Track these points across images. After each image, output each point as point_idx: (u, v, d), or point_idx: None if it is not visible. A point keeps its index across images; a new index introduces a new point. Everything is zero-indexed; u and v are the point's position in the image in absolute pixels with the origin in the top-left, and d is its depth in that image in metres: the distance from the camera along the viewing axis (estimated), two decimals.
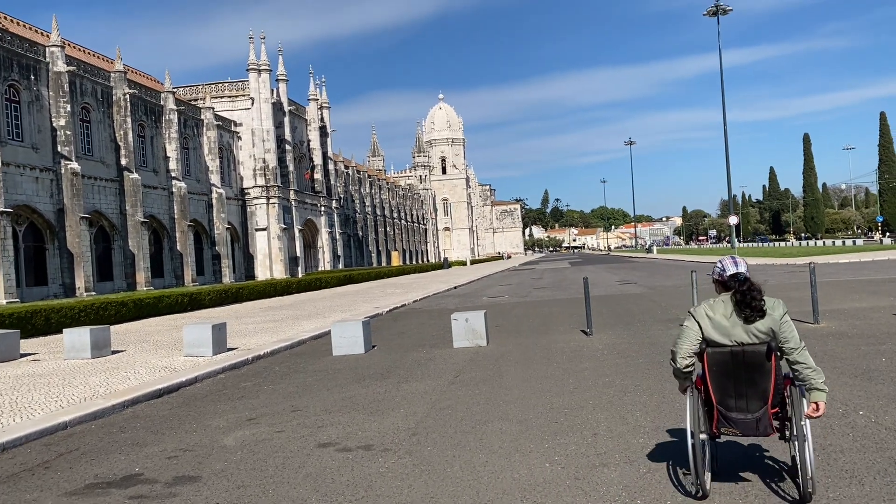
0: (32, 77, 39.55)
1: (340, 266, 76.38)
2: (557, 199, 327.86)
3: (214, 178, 58.57)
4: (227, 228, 59.22)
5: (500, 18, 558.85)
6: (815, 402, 4.47)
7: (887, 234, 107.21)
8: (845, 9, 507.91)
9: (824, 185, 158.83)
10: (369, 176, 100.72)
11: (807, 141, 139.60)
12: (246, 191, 64.34)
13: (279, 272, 62.58)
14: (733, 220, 67.54)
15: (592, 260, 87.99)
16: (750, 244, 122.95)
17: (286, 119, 68.37)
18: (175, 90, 55.94)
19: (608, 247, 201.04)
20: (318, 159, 76.75)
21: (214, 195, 57.99)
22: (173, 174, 52.60)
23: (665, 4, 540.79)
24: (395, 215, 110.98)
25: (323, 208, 75.27)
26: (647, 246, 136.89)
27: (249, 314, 24.26)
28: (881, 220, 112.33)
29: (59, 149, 40.39)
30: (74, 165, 40.80)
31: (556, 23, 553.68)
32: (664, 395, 7.94)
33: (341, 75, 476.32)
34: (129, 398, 9.50)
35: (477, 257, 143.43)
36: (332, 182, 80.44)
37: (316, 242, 74.83)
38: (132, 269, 46.30)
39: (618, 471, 5.40)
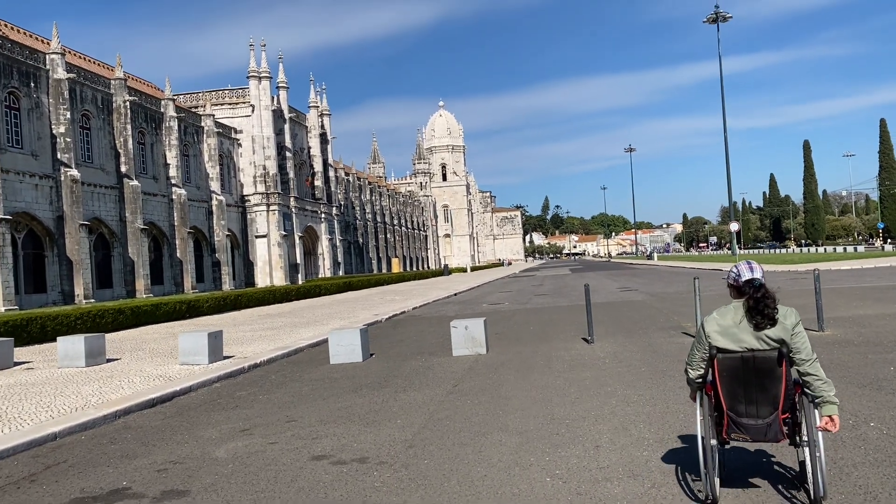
0: (32, 84, 39.49)
1: (341, 273, 76.20)
2: (558, 206, 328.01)
3: (214, 185, 58.46)
4: (227, 235, 59.08)
5: (499, 26, 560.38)
6: (829, 416, 4.40)
7: (888, 240, 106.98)
8: (844, 16, 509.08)
9: (825, 191, 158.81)
10: (370, 183, 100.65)
11: (807, 148, 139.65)
12: (246, 198, 64.22)
13: (279, 279, 62.41)
14: (734, 226, 67.43)
15: (593, 267, 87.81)
16: (756, 251, 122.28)
17: (286, 126, 68.32)
18: (175, 97, 55.92)
19: (608, 253, 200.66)
20: (318, 166, 76.67)
21: (214, 202, 57.87)
22: (173, 181, 52.49)
23: (664, 12, 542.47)
24: (396, 222, 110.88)
25: (323, 215, 75.15)
26: (647, 253, 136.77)
27: (247, 321, 24.07)
28: (882, 226, 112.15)
29: (58, 156, 40.28)
30: (74, 172, 40.68)
31: (556, 30, 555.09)
32: (667, 405, 7.75)
33: (342, 83, 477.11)
34: (121, 408, 9.31)
35: (477, 264, 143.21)
36: (333, 189, 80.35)
37: (316, 249, 74.68)
38: (132, 276, 46.13)
39: (621, 486, 5.20)
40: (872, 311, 15.99)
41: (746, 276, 4.58)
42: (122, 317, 22.50)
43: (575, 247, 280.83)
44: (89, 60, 53.43)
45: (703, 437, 4.60)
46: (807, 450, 4.49)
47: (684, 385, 8.65)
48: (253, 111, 64.38)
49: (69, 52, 46.87)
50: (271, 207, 63.83)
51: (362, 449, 6.74)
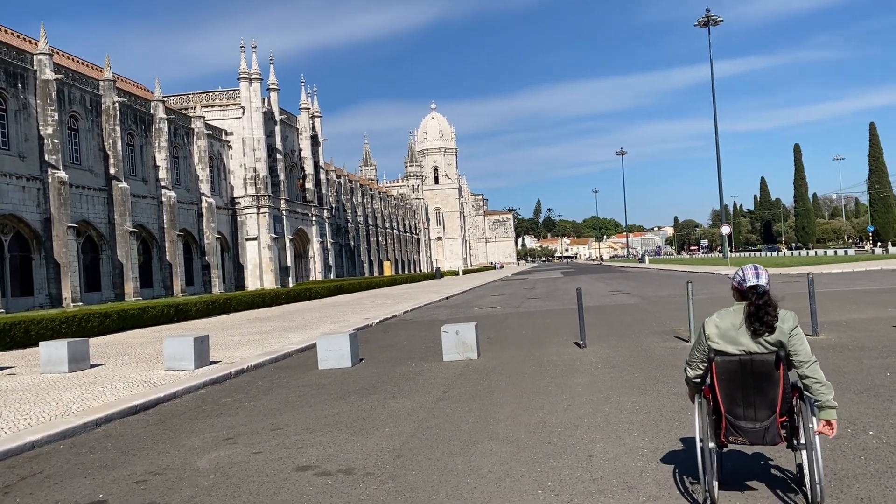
0: (20, 85, 39.08)
1: (332, 276, 75.86)
2: (550, 209, 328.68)
3: (204, 188, 58.08)
4: (217, 238, 58.70)
5: (492, 29, 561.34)
6: (827, 421, 4.39)
7: (878, 244, 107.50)
8: (835, 21, 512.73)
9: (815, 195, 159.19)
10: (361, 185, 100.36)
11: (797, 151, 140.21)
12: (236, 200, 63.85)
13: (269, 282, 62.04)
14: (726, 229, 67.52)
15: (585, 270, 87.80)
16: (757, 253, 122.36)
17: (277, 128, 67.99)
18: (165, 99, 55.53)
19: (600, 257, 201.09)
20: (309, 168, 76.35)
21: (204, 204, 57.50)
22: (163, 183, 52.11)
23: (656, 16, 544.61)
24: (388, 225, 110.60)
25: (314, 218, 74.82)
26: (639, 256, 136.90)
27: (236, 325, 23.80)
28: (872, 230, 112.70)
29: (46, 157, 39.87)
30: (62, 174, 40.29)
31: (549, 34, 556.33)
32: (662, 412, 7.59)
33: (333, 85, 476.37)
34: (102, 415, 9.07)
35: (469, 267, 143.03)
36: (324, 191, 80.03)
37: (307, 252, 74.33)
38: (120, 279, 45.72)
39: (616, 499, 5.02)
40: (866, 315, 15.90)
41: (751, 281, 4.54)
42: (108, 321, 22.19)
43: (567, 250, 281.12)
44: (78, 61, 53.00)
45: (701, 440, 4.61)
46: (804, 453, 4.50)
47: (679, 392, 8.54)
48: (243, 113, 64.05)
49: (57, 53, 46.46)
50: (262, 210, 63.48)
51: (349, 459, 6.54)
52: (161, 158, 52.24)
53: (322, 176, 79.94)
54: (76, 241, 41.45)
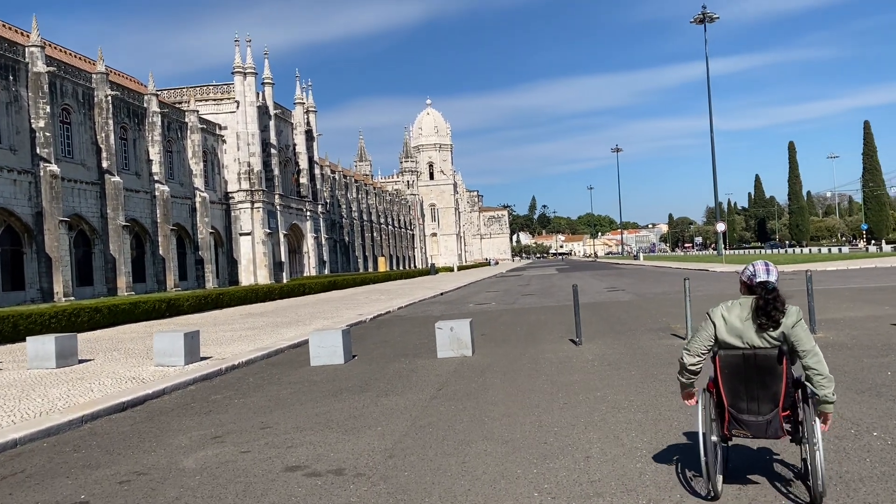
0: (11, 77, 38.71)
1: (326, 271, 75.61)
2: (545, 206, 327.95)
3: (198, 182, 57.75)
4: (211, 233, 58.38)
5: (488, 26, 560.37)
6: (823, 413, 4.42)
7: (872, 241, 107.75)
8: (829, 19, 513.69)
9: (809, 192, 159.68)
10: (356, 181, 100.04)
11: (792, 149, 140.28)
12: (230, 195, 63.54)
13: (263, 277, 61.77)
14: (721, 226, 67.56)
15: (579, 266, 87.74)
16: (764, 251, 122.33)
17: (272, 123, 67.65)
18: (159, 92, 55.14)
19: (594, 253, 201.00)
20: (303, 163, 76.04)
21: (198, 199, 57.17)
22: (156, 177, 51.77)
23: (651, 13, 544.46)
24: (382, 220, 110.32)
25: (309, 213, 74.52)
26: (634, 253, 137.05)
27: (228, 321, 23.58)
28: (866, 227, 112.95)
29: (38, 151, 39.54)
30: (54, 168, 39.95)
31: (544, 31, 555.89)
32: (660, 411, 7.43)
33: (329, 80, 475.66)
34: (88, 412, 8.86)
35: (464, 263, 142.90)
36: (319, 186, 79.70)
37: (301, 247, 74.05)
38: (113, 273, 45.42)
39: (614, 502, 4.86)
40: (863, 312, 15.80)
41: (762, 277, 4.57)
42: (98, 315, 21.94)
43: (562, 246, 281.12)
44: (70, 54, 52.55)
45: (704, 434, 4.61)
46: (808, 446, 4.51)
47: (677, 390, 8.32)
48: (238, 107, 63.70)
49: (50, 46, 46.06)
50: (256, 205, 63.17)
51: (339, 459, 6.36)
52: (154, 152, 51.89)
53: (317, 171, 79.62)
54: (68, 235, 41.13)
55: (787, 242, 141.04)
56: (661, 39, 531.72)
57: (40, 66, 40.10)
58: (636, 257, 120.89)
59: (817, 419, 4.40)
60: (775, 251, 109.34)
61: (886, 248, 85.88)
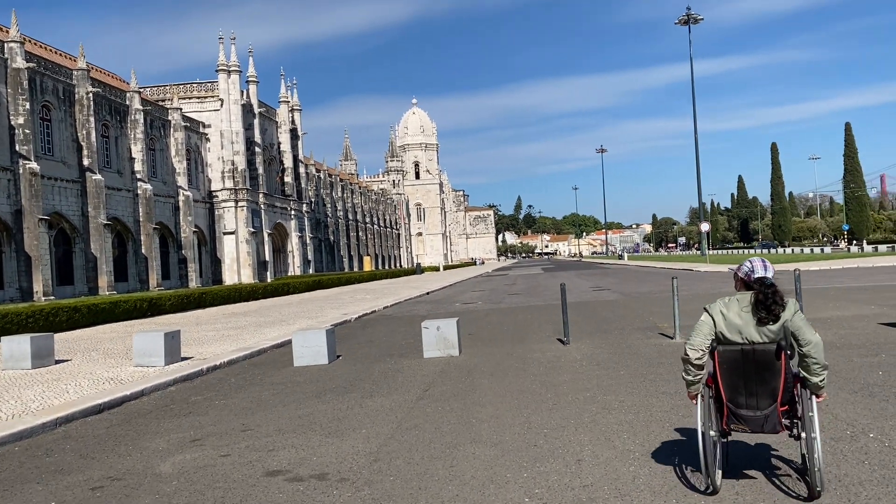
0: None
1: (311, 271, 75.13)
2: (530, 206, 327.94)
3: (181, 181, 57.15)
4: (195, 232, 57.80)
5: (474, 25, 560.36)
6: (818, 395, 4.53)
7: (853, 242, 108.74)
8: (811, 22, 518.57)
9: (791, 193, 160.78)
10: (341, 180, 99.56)
11: (774, 150, 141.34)
12: (214, 193, 62.94)
13: (247, 277, 61.25)
14: (705, 227, 67.79)
15: (565, 266, 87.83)
16: (758, 250, 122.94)
17: (256, 121, 67.10)
18: (141, 90, 54.51)
19: (580, 253, 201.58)
20: (288, 162, 75.51)
21: (181, 198, 56.57)
22: (138, 176, 51.15)
23: (636, 14, 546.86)
24: (368, 220, 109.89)
25: (293, 212, 74.01)
26: (618, 253, 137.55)
27: (211, 321, 23.24)
28: (847, 228, 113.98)
29: (17, 148, 38.90)
30: (33, 165, 39.32)
31: (530, 31, 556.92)
32: (651, 412, 7.28)
33: (314, 78, 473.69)
34: (63, 415, 8.58)
35: (450, 263, 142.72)
36: (303, 185, 79.19)
37: (286, 247, 73.53)
38: (94, 272, 44.79)
39: None
40: (849, 312, 15.78)
41: (759, 273, 4.60)
42: (77, 315, 21.52)
43: (547, 246, 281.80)
44: (52, 50, 51.81)
45: (702, 430, 4.62)
46: (806, 441, 4.54)
47: (667, 391, 8.24)
48: (222, 105, 63.13)
49: (30, 42, 45.36)
50: (240, 204, 62.62)
51: (322, 463, 6.14)
52: (137, 150, 51.27)
53: (301, 170, 79.10)
54: (48, 233, 40.52)
55: (769, 242, 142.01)
56: (647, 40, 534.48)
57: (20, 62, 39.46)
58: (621, 257, 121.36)
59: (815, 410, 4.44)
60: (765, 251, 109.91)
61: (867, 248, 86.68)
